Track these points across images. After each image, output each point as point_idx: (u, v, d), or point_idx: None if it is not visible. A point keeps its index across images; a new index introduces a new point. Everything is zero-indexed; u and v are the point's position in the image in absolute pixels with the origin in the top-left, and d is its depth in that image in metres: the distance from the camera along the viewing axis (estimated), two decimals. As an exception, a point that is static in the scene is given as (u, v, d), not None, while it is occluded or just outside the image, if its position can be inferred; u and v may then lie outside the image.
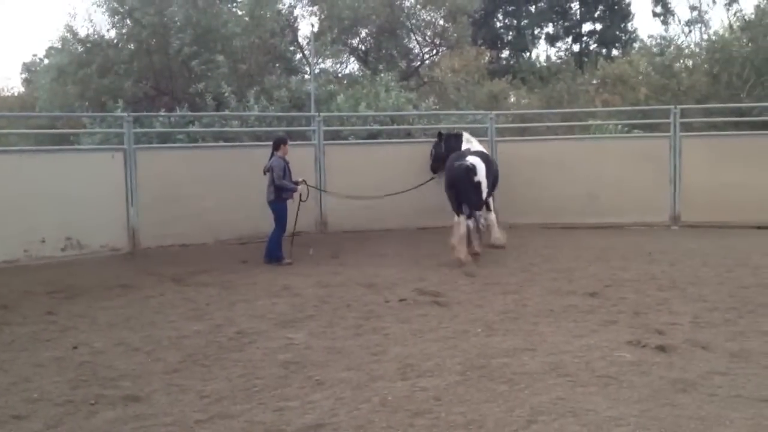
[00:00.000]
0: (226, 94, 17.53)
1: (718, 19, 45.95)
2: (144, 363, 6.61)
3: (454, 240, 11.34)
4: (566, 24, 43.38)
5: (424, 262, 11.30)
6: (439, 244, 12.51)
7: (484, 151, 12.86)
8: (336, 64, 23.87)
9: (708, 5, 34.91)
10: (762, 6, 20.88)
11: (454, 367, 6.22)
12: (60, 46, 21.55)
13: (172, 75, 21.00)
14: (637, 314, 7.94)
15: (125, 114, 13.69)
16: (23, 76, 36.53)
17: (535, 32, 42.78)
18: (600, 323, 7.59)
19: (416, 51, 26.19)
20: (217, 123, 17.04)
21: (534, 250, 12.05)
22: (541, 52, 42.92)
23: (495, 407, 5.33)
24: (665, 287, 9.25)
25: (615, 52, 38.16)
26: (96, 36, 21.02)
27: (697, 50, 23.01)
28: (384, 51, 24.33)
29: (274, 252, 11.51)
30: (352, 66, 25.12)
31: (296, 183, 11.77)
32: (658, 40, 23.55)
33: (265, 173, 11.63)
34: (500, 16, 42.51)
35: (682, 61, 21.81)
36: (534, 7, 42.98)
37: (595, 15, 42.78)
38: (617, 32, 41.39)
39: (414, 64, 25.87)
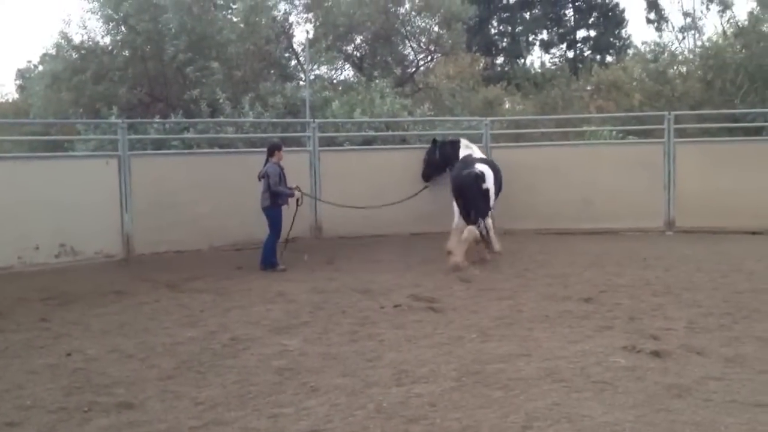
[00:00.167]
0: (221, 101, 17.51)
1: (712, 26, 46.19)
2: (138, 370, 6.59)
3: (451, 245, 11.35)
4: (560, 31, 43.58)
5: (419, 268, 11.30)
6: (433, 250, 12.52)
7: (484, 157, 12.89)
8: (331, 70, 23.84)
9: (701, 12, 34.97)
10: (755, 12, 20.97)
11: (449, 373, 6.21)
12: (54, 53, 21.49)
13: (166, 81, 20.97)
14: (632, 320, 7.95)
15: (120, 120, 13.67)
16: (17, 82, 36.47)
17: (530, 39, 42.99)
18: (595, 329, 7.59)
19: (411, 57, 26.18)
20: (212, 129, 17.03)
21: (529, 255, 12.05)
22: (536, 58, 43.14)
23: (490, 413, 5.32)
24: (660, 293, 9.25)
25: (609, 58, 38.33)
26: (90, 43, 20.99)
27: (691, 57, 23.08)
28: (379, 57, 24.31)
29: (268, 258, 11.49)
30: (347, 72, 25.10)
31: (291, 189, 11.78)
32: (652, 47, 23.55)
33: (259, 179, 11.61)
34: (495, 23, 42.71)
35: (676, 67, 21.85)
36: (528, 14, 43.20)
37: (590, 22, 43.00)
38: (611, 39, 41.61)
39: (409, 70, 25.86)
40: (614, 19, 41.87)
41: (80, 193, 11.96)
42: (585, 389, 5.75)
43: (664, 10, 37.01)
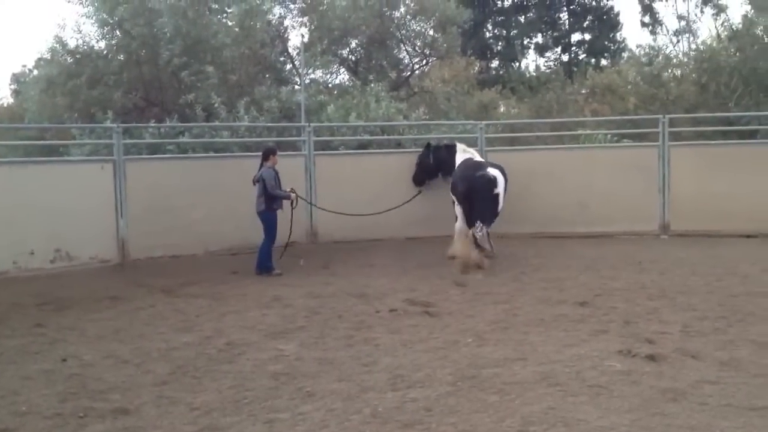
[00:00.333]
0: (216, 105, 17.49)
1: (706, 29, 46.33)
2: (133, 375, 6.58)
3: (455, 250, 11.42)
4: (555, 34, 43.59)
5: (415, 273, 11.31)
6: (429, 254, 12.57)
7: (482, 160, 12.89)
8: (326, 74, 23.83)
9: (696, 15, 35.09)
10: (749, 16, 21.04)
11: (444, 378, 6.22)
12: (49, 57, 21.43)
13: (161, 86, 20.94)
14: (627, 323, 7.96)
15: (115, 125, 13.64)
16: (12, 87, 36.41)
17: (525, 42, 42.96)
18: (590, 333, 7.60)
19: (406, 61, 26.20)
20: (207, 134, 16.99)
21: (524, 259, 12.07)
22: (531, 62, 43.16)
23: (486, 417, 5.33)
24: (655, 296, 9.28)
25: (604, 61, 38.34)
26: (85, 47, 20.93)
27: (686, 60, 23.15)
28: (374, 61, 24.32)
29: (264, 263, 11.49)
30: (342, 76, 25.11)
31: (286, 192, 11.79)
32: (647, 50, 23.63)
33: (254, 183, 11.61)
34: (490, 27, 42.68)
35: (670, 70, 21.91)
36: (523, 17, 43.19)
37: (584, 25, 43.02)
38: (606, 42, 41.62)
39: (404, 74, 25.88)
40: (609, 23, 41.89)
41: (75, 198, 11.94)
42: (580, 393, 5.76)
43: (658, 13, 37.29)
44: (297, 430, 5.24)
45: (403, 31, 24.89)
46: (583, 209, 14.22)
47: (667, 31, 35.93)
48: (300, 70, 20.42)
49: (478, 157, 13.11)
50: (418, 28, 25.20)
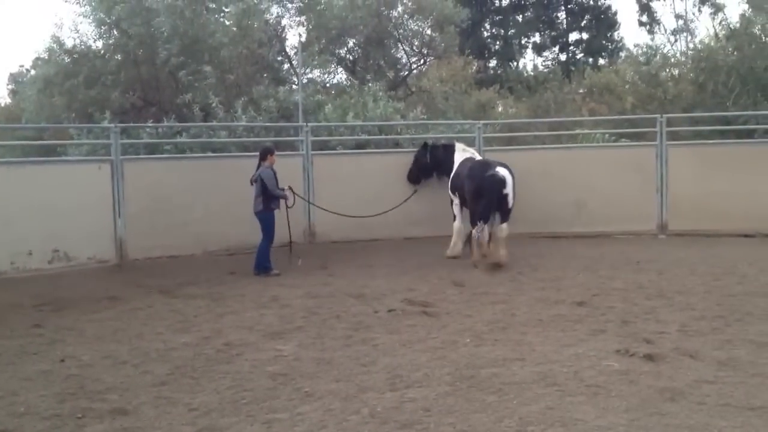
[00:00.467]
0: (214, 105, 17.49)
1: (704, 28, 46.34)
2: (132, 376, 6.58)
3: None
4: (553, 33, 43.65)
5: (413, 273, 11.31)
6: (427, 254, 12.58)
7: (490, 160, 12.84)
8: (324, 74, 23.83)
9: (693, 14, 35.13)
10: (747, 15, 21.04)
11: (443, 378, 6.22)
12: (47, 57, 21.43)
13: (159, 86, 20.95)
14: (625, 323, 7.96)
15: (112, 125, 13.65)
16: (9, 87, 36.39)
17: (522, 42, 43.06)
18: (588, 332, 7.61)
19: (404, 61, 26.22)
20: (205, 134, 16.99)
21: (522, 259, 12.06)
22: (528, 61, 43.25)
23: (484, 417, 5.33)
24: (653, 296, 9.28)
25: (601, 61, 38.42)
26: (83, 47, 20.94)
27: (683, 59, 23.18)
28: (372, 61, 24.34)
29: (262, 263, 11.48)
30: (340, 76, 25.12)
31: (282, 190, 11.80)
32: (644, 49, 23.63)
33: (252, 183, 11.61)
34: (487, 26, 42.74)
35: (668, 70, 21.92)
36: (521, 16, 43.25)
37: (582, 24, 43.08)
38: (604, 41, 41.69)
39: (402, 73, 25.90)
40: (606, 22, 41.96)
41: (73, 198, 11.93)
42: (578, 393, 5.77)
43: (656, 12, 37.22)
44: (295, 430, 5.23)
45: (401, 31, 24.90)
46: (580, 209, 14.23)
47: (665, 30, 35.92)
48: (297, 70, 20.41)
49: (478, 157, 13.12)
50: (416, 27, 25.21)
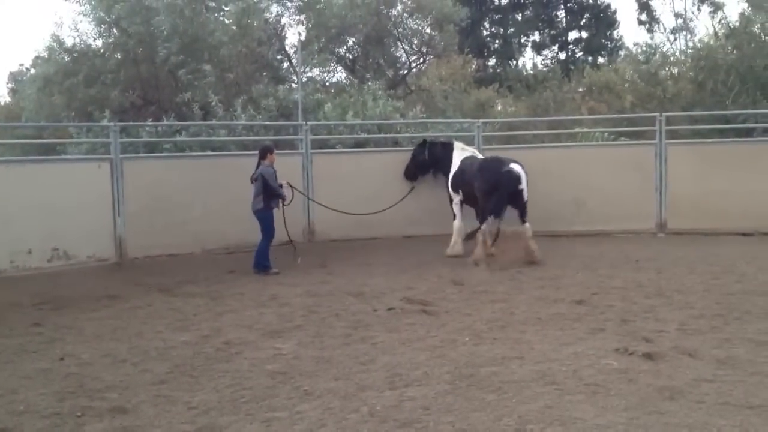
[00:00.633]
0: (213, 104, 17.50)
1: (703, 27, 46.36)
2: (131, 374, 6.58)
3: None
4: (552, 32, 43.67)
5: (412, 271, 11.31)
6: (426, 253, 12.58)
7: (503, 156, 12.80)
8: (323, 72, 23.88)
9: (693, 13, 35.16)
10: (746, 13, 21.04)
11: (442, 376, 6.22)
12: (46, 56, 21.45)
13: (158, 84, 20.96)
14: (624, 322, 7.96)
15: (112, 124, 13.66)
16: (9, 85, 36.36)
17: (522, 40, 43.09)
18: (587, 331, 7.61)
19: (403, 59, 26.23)
20: (204, 132, 17.00)
21: (521, 258, 12.03)
22: (528, 60, 43.30)
23: (483, 416, 5.33)
24: (652, 295, 9.28)
25: (601, 60, 38.40)
26: (82, 45, 20.96)
27: (683, 58, 23.14)
28: (371, 60, 24.35)
29: (261, 261, 11.48)
30: (340, 75, 25.15)
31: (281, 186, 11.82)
32: (644, 48, 23.64)
33: (252, 182, 11.61)
34: (487, 25, 42.75)
35: (667, 68, 21.92)
36: (520, 15, 43.27)
37: (581, 23, 43.10)
38: (603, 40, 41.72)
39: (401, 72, 25.91)
40: (606, 21, 41.97)
41: (73, 197, 11.92)
42: (577, 392, 5.77)
43: (655, 11, 37.27)
44: (295, 429, 5.24)
45: (400, 29, 24.91)
46: (579, 207, 14.22)
47: (664, 29, 35.96)
48: (297, 69, 20.42)
49: (479, 155, 13.12)
50: (415, 26, 25.23)
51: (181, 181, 13.03)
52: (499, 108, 25.94)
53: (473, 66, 27.18)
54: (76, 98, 20.03)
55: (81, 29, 21.13)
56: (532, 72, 32.21)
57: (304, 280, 10.87)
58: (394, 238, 14.12)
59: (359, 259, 12.46)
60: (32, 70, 25.72)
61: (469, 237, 12.56)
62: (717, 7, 24.51)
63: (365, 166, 14.44)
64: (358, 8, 22.36)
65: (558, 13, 43.81)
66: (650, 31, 37.04)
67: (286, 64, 23.81)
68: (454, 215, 12.98)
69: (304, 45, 20.54)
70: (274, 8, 23.31)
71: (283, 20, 23.97)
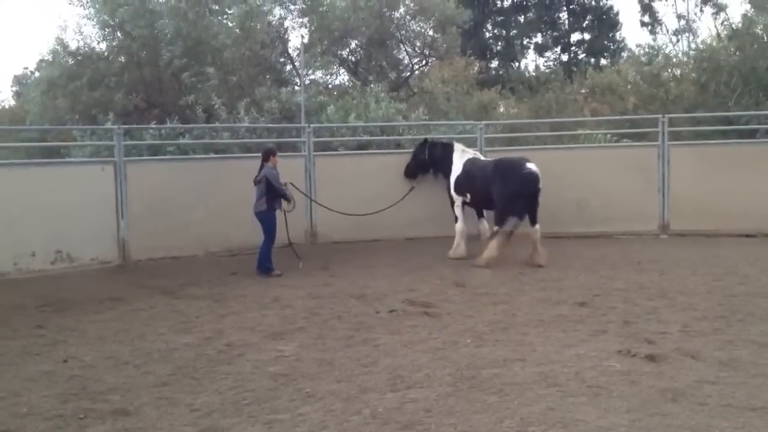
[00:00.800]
0: (217, 106, 17.52)
1: (706, 28, 46.36)
2: (134, 376, 6.60)
3: (493, 253, 11.58)
4: (555, 34, 43.67)
5: (414, 273, 11.31)
6: (428, 255, 12.59)
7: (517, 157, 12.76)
8: (326, 75, 23.88)
9: (695, 14, 35.13)
10: (749, 15, 21.03)
11: (444, 378, 6.23)
12: (50, 59, 21.51)
13: (162, 87, 21.00)
14: (627, 324, 7.96)
15: (115, 126, 13.66)
16: (14, 89, 36.50)
17: (524, 42, 43.09)
18: (589, 333, 7.61)
19: (406, 62, 26.26)
20: (208, 135, 17.04)
21: (523, 259, 12.04)
22: (530, 62, 43.29)
23: (485, 418, 5.34)
24: (654, 296, 9.28)
25: (603, 61, 38.42)
26: (86, 49, 21.02)
27: (685, 59, 23.13)
28: (374, 62, 24.37)
29: (263, 263, 11.50)
30: (342, 77, 25.18)
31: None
32: (646, 50, 23.62)
33: (255, 184, 11.62)
34: (489, 27, 42.77)
35: (670, 70, 21.90)
36: (523, 17, 43.27)
37: (584, 25, 43.09)
38: (605, 42, 41.69)
39: (404, 74, 25.93)
40: (608, 22, 41.96)
41: (76, 200, 11.94)
42: (579, 394, 5.77)
43: (658, 12, 37.28)
44: (297, 431, 5.25)
45: (403, 32, 24.94)
46: (582, 209, 14.21)
47: (667, 30, 35.98)
48: (300, 71, 20.44)
49: (481, 157, 13.12)
50: (418, 28, 25.26)
51: (184, 184, 13.04)
52: (501, 110, 25.95)
53: (476, 68, 27.20)
54: (80, 101, 20.08)
55: (85, 32, 21.21)
56: (534, 74, 32.19)
57: (306, 282, 10.88)
58: (396, 240, 14.13)
59: (361, 261, 12.47)
60: (36, 74, 25.78)
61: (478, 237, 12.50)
62: (720, 9, 24.53)
63: (368, 169, 14.44)
64: (360, 11, 22.40)
65: (560, 15, 43.80)
66: (653, 32, 37.08)
67: (289, 67, 23.85)
68: (456, 218, 12.97)
69: (306, 48, 20.57)
70: (277, 11, 23.38)
71: (286, 23, 24.06)
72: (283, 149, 14.15)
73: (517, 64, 40.04)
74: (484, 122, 15.99)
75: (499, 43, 42.89)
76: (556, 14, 43.69)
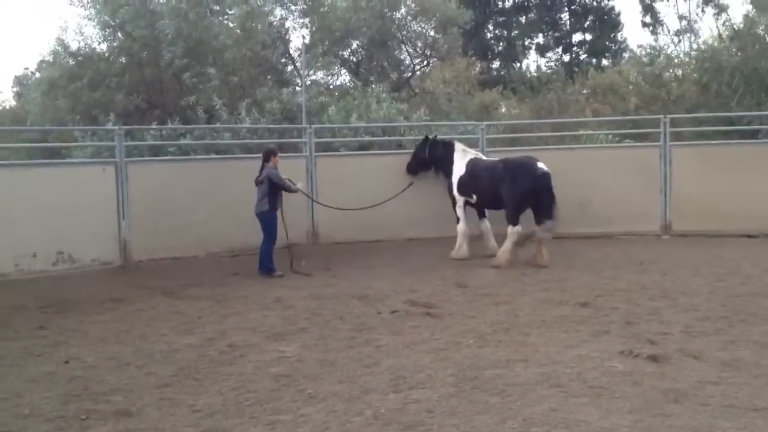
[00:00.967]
0: (218, 107, 17.52)
1: (707, 29, 46.33)
2: (135, 377, 6.59)
3: (509, 253, 11.56)
4: (556, 34, 43.61)
5: (416, 274, 11.30)
6: (430, 255, 12.58)
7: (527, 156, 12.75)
8: (327, 75, 23.87)
9: (697, 15, 35.13)
10: (750, 15, 21.03)
11: (446, 379, 6.22)
12: (51, 60, 21.50)
13: (163, 88, 20.99)
14: (629, 324, 7.96)
15: (116, 127, 13.67)
16: (14, 89, 36.52)
17: (526, 43, 43.04)
18: (592, 333, 7.60)
19: (407, 62, 26.26)
20: (209, 135, 17.03)
21: (525, 260, 12.03)
22: (532, 62, 43.25)
23: (488, 419, 5.33)
24: (656, 297, 9.27)
25: (605, 62, 38.39)
26: (87, 49, 21.00)
27: (687, 60, 23.15)
28: (375, 62, 24.36)
29: (264, 264, 11.49)
30: (344, 78, 25.18)
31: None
32: (648, 50, 23.65)
33: (257, 185, 11.61)
34: (491, 27, 42.72)
35: (671, 70, 21.93)
36: (524, 18, 43.22)
37: (585, 25, 43.05)
38: (607, 42, 41.65)
39: (405, 75, 25.92)
40: (610, 23, 41.92)
41: (77, 200, 11.94)
42: (582, 394, 5.77)
43: (659, 13, 37.26)
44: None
45: (404, 32, 24.93)
46: (584, 209, 14.19)
47: (668, 30, 35.98)
48: (301, 72, 20.46)
49: (483, 158, 13.10)
50: (419, 29, 25.26)
51: (185, 184, 13.04)
52: (503, 110, 25.95)
53: (477, 68, 27.20)
54: (81, 102, 20.07)
55: (86, 33, 21.20)
56: (536, 74, 32.19)
57: (308, 282, 10.88)
58: (397, 240, 14.13)
59: (363, 262, 12.46)
60: (37, 74, 25.77)
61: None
62: (721, 9, 24.51)
63: (369, 169, 14.43)
64: (362, 11, 22.39)
65: (562, 16, 43.75)
66: (654, 33, 37.07)
67: (290, 68, 23.83)
68: (458, 218, 12.95)
69: (308, 48, 20.58)
70: (278, 12, 23.36)
71: (287, 23, 24.05)
72: (285, 150, 14.15)
73: (518, 64, 40.04)
74: (485, 123, 15.97)
75: (501, 44, 42.85)
76: (558, 15, 43.64)
